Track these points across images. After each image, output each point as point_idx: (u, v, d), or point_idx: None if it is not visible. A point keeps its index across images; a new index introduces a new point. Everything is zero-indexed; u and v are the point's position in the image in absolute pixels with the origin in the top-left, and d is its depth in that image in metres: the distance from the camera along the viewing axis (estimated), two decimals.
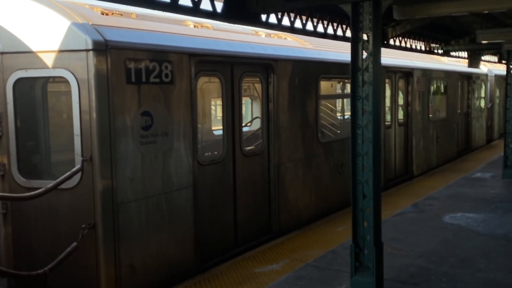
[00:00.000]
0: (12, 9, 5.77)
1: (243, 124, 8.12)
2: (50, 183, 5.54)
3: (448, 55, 14.80)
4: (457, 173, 14.04)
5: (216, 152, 8.13)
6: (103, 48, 5.51)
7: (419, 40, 12.84)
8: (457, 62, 17.51)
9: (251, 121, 11.07)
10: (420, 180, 13.24)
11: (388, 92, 12.54)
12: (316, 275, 6.62)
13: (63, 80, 5.69)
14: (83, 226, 5.54)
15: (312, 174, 9.31)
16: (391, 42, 10.90)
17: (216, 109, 14.34)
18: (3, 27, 5.76)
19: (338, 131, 11.99)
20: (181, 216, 6.55)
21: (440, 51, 14.04)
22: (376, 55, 5.73)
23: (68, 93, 5.67)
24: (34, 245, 5.85)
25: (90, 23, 5.71)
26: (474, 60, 15.64)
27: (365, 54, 5.76)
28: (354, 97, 5.85)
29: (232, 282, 6.45)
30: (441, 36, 13.23)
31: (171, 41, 6.49)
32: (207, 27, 7.83)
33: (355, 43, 5.79)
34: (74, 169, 5.54)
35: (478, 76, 19.28)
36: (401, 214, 9.62)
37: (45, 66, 5.64)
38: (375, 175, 5.80)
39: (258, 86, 8.71)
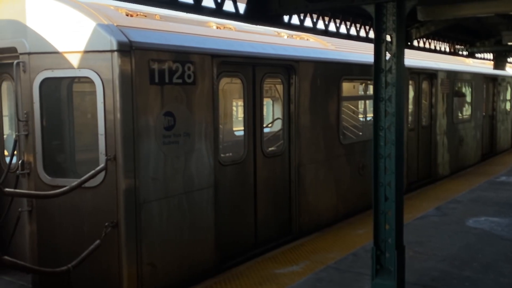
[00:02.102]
0: (39, 10, 5.88)
1: (264, 125, 8.14)
2: (75, 182, 5.64)
3: (473, 56, 14.57)
4: (481, 177, 13.81)
5: (237, 153, 8.16)
6: (127, 49, 5.58)
7: (443, 41, 12.67)
8: (482, 64, 17.23)
9: (272, 122, 11.07)
10: (443, 183, 13.06)
11: (411, 94, 12.41)
12: (336, 277, 6.59)
13: (88, 80, 5.78)
14: (106, 224, 5.62)
15: (333, 176, 9.27)
16: (415, 43, 10.78)
17: (237, 110, 14.38)
18: (30, 28, 5.88)
19: (360, 133, 11.91)
20: (202, 216, 6.59)
21: (464, 53, 13.83)
22: (399, 56, 5.67)
23: (93, 93, 5.76)
24: (58, 243, 5.95)
25: (115, 24, 5.79)
26: (500, 62, 15.36)
27: (388, 55, 5.70)
28: (377, 98, 5.80)
29: (252, 282, 6.46)
30: (466, 37, 13.03)
31: (194, 42, 6.54)
32: (230, 28, 7.87)
33: (378, 44, 5.74)
34: (98, 168, 5.63)
35: (503, 78, 18.95)
36: (423, 217, 9.51)
37: (71, 67, 5.74)
38: (397, 178, 5.75)
39: (280, 87, 8.71)
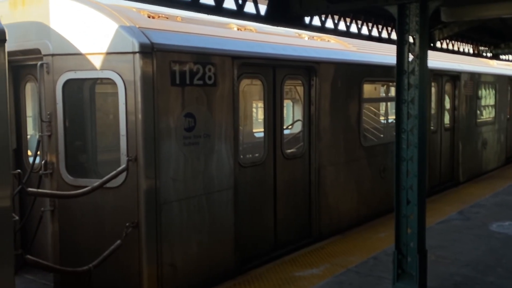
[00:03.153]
0: (63, 12, 5.95)
1: (284, 127, 8.11)
2: (96, 182, 5.69)
3: (498, 58, 14.31)
4: (505, 180, 13.56)
5: (257, 154, 8.15)
6: (149, 51, 5.61)
7: (467, 42, 12.47)
8: (507, 66, 16.91)
9: (292, 124, 11.04)
10: (466, 187, 12.86)
11: (434, 96, 12.25)
12: (357, 281, 6.52)
13: (110, 82, 5.83)
14: (127, 224, 5.66)
15: (353, 178, 9.19)
16: (438, 44, 10.63)
17: (257, 111, 14.37)
18: (53, 30, 5.96)
19: (381, 135, 11.79)
20: (222, 217, 6.59)
21: (489, 54, 13.59)
22: (422, 58, 5.60)
23: (115, 94, 5.81)
24: (79, 242, 6.01)
25: (137, 26, 5.83)
26: None
27: (411, 57, 5.64)
28: (399, 100, 5.74)
29: (271, 285, 6.44)
30: (490, 38, 12.79)
31: (214, 44, 6.55)
32: (250, 29, 7.87)
33: (401, 45, 5.68)
34: (119, 169, 5.67)
35: None
36: (446, 221, 9.37)
37: (93, 68, 5.80)
38: (420, 181, 5.67)
39: (300, 89, 8.68)
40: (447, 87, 12.82)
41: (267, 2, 6.25)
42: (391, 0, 5.63)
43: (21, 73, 6.75)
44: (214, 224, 6.49)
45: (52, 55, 5.94)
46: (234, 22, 7.68)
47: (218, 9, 5.52)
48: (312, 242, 8.20)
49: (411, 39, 5.62)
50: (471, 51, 12.88)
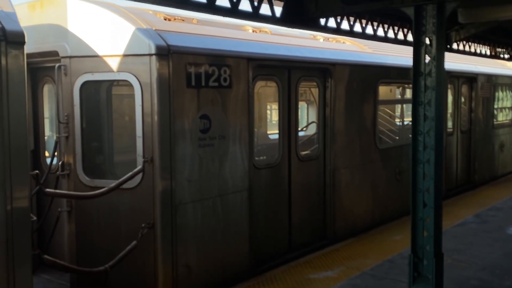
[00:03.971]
0: (80, 15, 6.02)
1: (299, 129, 8.09)
2: (113, 183, 5.74)
3: None
4: None
5: (271, 156, 8.15)
6: (165, 53, 5.65)
7: (483, 44, 12.34)
8: None
9: (307, 126, 11.01)
10: (482, 190, 12.71)
11: (450, 98, 12.14)
12: (372, 284, 6.49)
13: (127, 84, 5.88)
14: (143, 225, 5.70)
15: (369, 181, 9.14)
16: (454, 46, 10.54)
17: (271, 113, 14.36)
18: (71, 32, 6.03)
19: (397, 137, 11.72)
20: (236, 219, 6.60)
21: (506, 56, 13.44)
22: (439, 60, 5.55)
23: (131, 96, 5.85)
24: (96, 243, 6.06)
25: (154, 28, 5.87)
26: None
27: (428, 59, 5.59)
28: (415, 102, 5.69)
29: (286, 287, 6.43)
30: (508, 40, 12.64)
31: (230, 46, 6.57)
32: (266, 31, 7.88)
33: (418, 47, 5.63)
34: (135, 170, 5.71)
35: None
36: (462, 224, 9.27)
37: (110, 70, 5.85)
38: (436, 184, 5.62)
39: (315, 91, 8.66)
40: (464, 89, 12.69)
41: (282, 4, 6.26)
42: (408, 1, 5.59)
43: (39, 75, 6.84)
44: (229, 225, 6.50)
45: (70, 57, 6.01)
46: (249, 24, 7.70)
47: (233, 11, 5.54)
48: (327, 244, 8.17)
49: (427, 41, 5.57)
50: (488, 52, 12.74)
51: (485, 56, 12.59)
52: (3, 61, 4.26)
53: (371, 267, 7.08)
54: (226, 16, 5.55)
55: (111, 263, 5.64)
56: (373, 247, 7.99)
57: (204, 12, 5.33)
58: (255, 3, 5.80)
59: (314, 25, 6.85)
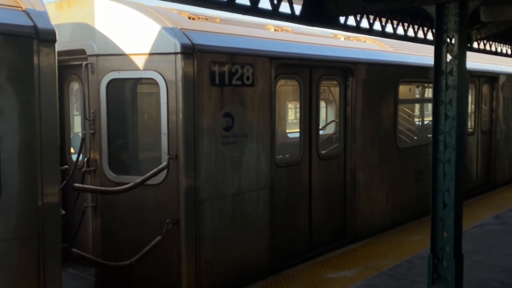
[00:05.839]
0: (107, 14, 6.14)
1: (320, 127, 8.13)
2: (138, 179, 5.84)
3: None
4: None
5: (292, 155, 8.20)
6: (190, 52, 5.74)
7: (504, 43, 12.22)
8: None
9: (327, 125, 11.03)
10: (503, 191, 12.59)
11: (471, 98, 12.06)
12: (390, 285, 6.49)
13: (152, 82, 5.98)
14: (167, 221, 5.79)
15: (388, 180, 9.14)
16: (475, 45, 10.46)
17: (290, 112, 14.38)
18: (98, 31, 6.15)
19: (417, 137, 11.68)
20: (258, 217, 6.67)
21: None
22: (461, 58, 5.53)
23: (156, 94, 5.95)
24: (121, 238, 6.17)
25: (179, 27, 5.97)
26: None
27: (449, 57, 5.57)
28: (436, 101, 5.68)
29: (304, 286, 6.46)
30: None
31: (253, 44, 6.63)
32: (287, 30, 7.93)
33: (439, 45, 5.62)
34: (160, 166, 5.81)
35: None
36: (481, 225, 9.22)
37: (136, 68, 5.96)
38: (457, 184, 5.60)
39: (335, 90, 8.69)
40: (484, 88, 12.59)
41: (302, 2, 6.28)
42: None
43: (65, 73, 6.97)
44: (251, 223, 6.57)
45: (97, 55, 6.12)
46: (271, 23, 7.75)
47: (253, 9, 5.57)
48: (346, 243, 8.19)
49: (449, 39, 5.56)
50: (509, 52, 12.61)
51: (506, 55, 12.47)
52: (35, 59, 4.36)
53: (389, 267, 7.08)
54: (245, 14, 5.57)
55: (136, 258, 5.74)
56: (391, 247, 7.99)
57: (224, 10, 5.36)
58: (275, 1, 5.81)
59: (333, 24, 6.86)
